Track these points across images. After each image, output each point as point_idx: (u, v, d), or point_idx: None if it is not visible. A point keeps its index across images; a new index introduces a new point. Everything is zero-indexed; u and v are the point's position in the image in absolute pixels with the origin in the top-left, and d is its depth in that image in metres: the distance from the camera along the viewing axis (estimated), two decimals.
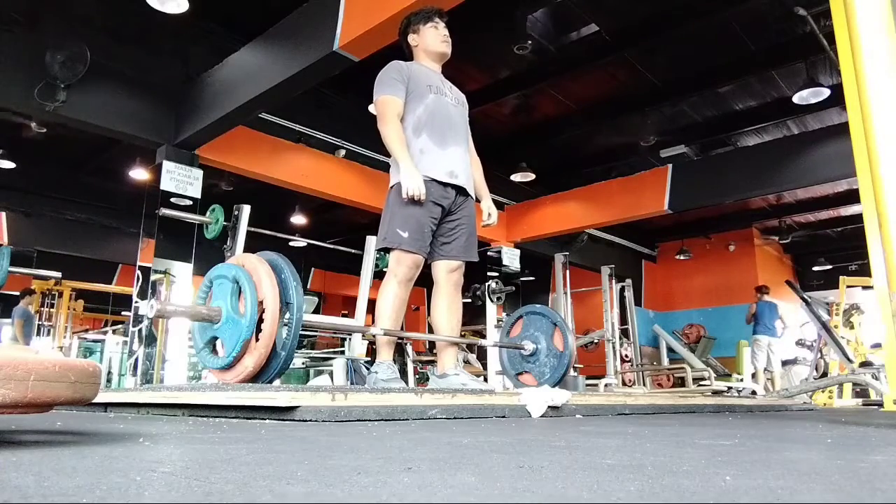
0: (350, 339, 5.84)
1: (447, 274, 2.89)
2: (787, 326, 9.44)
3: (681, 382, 8.55)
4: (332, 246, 8.32)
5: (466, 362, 8.42)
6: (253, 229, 5.19)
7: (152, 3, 4.77)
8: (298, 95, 5.26)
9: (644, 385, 8.89)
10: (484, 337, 8.58)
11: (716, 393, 6.65)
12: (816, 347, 8.32)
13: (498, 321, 8.16)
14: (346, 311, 11.84)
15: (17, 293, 8.38)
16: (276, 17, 4.90)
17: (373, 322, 2.81)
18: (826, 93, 6.09)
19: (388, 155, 2.84)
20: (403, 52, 3.06)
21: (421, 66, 2.93)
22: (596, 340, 9.82)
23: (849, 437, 1.49)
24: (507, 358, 3.53)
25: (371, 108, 6.98)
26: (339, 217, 10.01)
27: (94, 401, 1.10)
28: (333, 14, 4.26)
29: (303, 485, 0.66)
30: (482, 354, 8.71)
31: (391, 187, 2.88)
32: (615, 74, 6.57)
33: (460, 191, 2.85)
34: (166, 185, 5.63)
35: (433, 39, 2.94)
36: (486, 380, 7.76)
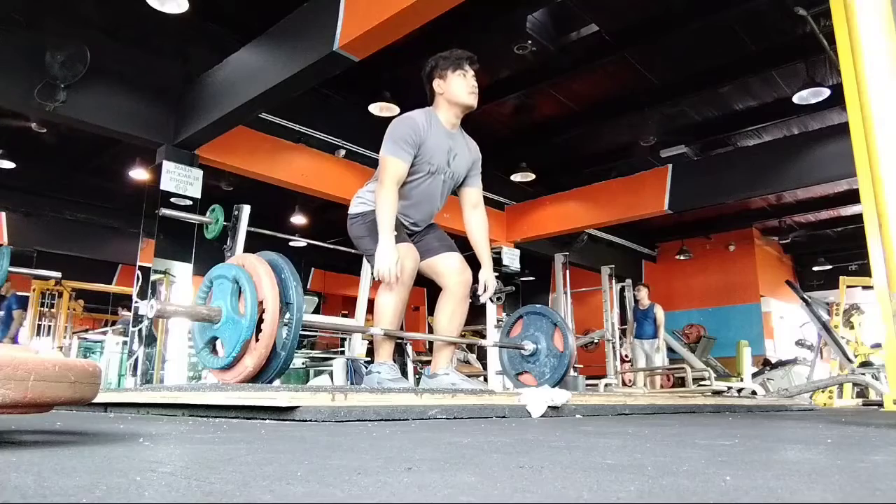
0: (350, 339, 5.84)
1: (458, 276, 2.88)
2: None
3: (681, 382, 8.55)
4: (332, 246, 8.30)
5: (466, 362, 8.43)
6: (253, 229, 5.19)
7: (152, 3, 4.76)
8: (298, 95, 5.26)
9: (644, 385, 8.89)
10: (484, 337, 8.58)
11: (716, 393, 6.64)
12: (816, 347, 8.31)
13: (498, 321, 8.16)
14: (346, 311, 11.83)
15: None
16: (276, 17, 4.89)
17: (373, 322, 2.79)
18: (826, 93, 6.09)
19: None
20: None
21: (438, 128, 2.76)
22: (596, 340, 9.82)
23: (849, 437, 1.49)
24: (507, 358, 3.53)
25: (371, 108, 6.96)
26: (339, 217, 9.96)
27: (94, 401, 1.10)
28: (333, 14, 4.26)
29: (303, 485, 0.66)
30: (482, 354, 8.71)
31: (354, 217, 2.85)
32: (615, 74, 6.57)
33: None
34: (166, 185, 5.63)
35: (460, 90, 2.76)
36: (485, 380, 7.77)
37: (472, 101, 2.78)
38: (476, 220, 2.99)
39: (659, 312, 8.87)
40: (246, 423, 1.68)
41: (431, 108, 2.84)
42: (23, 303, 8.30)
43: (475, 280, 2.98)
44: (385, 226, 2.56)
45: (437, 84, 2.79)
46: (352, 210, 2.92)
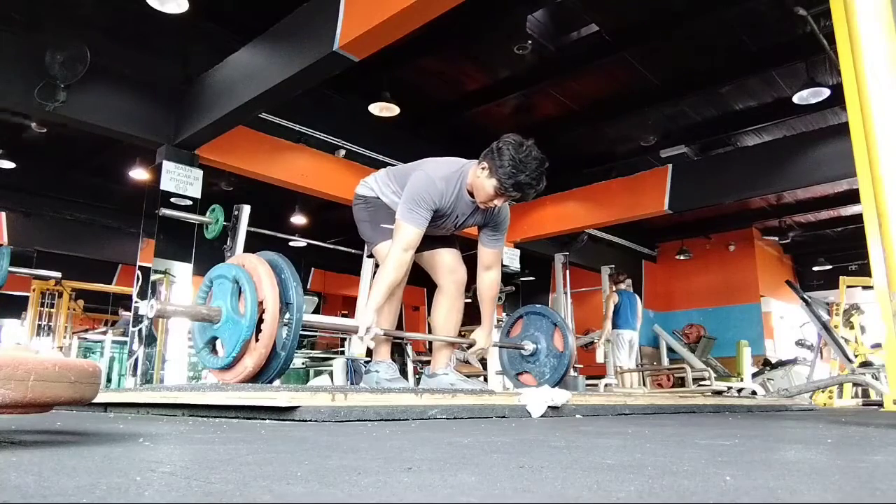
0: (350, 339, 5.84)
1: (450, 275, 2.90)
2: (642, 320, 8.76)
3: (681, 382, 8.54)
4: (332, 246, 8.33)
5: (466, 362, 8.41)
6: (253, 229, 5.19)
7: (152, 3, 4.76)
8: (298, 95, 5.26)
9: (644, 385, 8.88)
10: None
11: (716, 393, 6.64)
12: (816, 347, 8.31)
13: (498, 321, 8.16)
14: (346, 311, 11.83)
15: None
16: (276, 17, 4.89)
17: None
18: (826, 93, 6.08)
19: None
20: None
21: (459, 196, 2.67)
22: (596, 340, 9.81)
23: (849, 437, 1.49)
24: (507, 358, 3.54)
25: (371, 108, 6.94)
26: (339, 217, 10.00)
27: (94, 401, 1.10)
28: (333, 14, 4.26)
29: (303, 485, 0.66)
30: None
31: (358, 199, 2.86)
32: (615, 74, 6.57)
33: None
34: (166, 185, 5.63)
35: (481, 195, 2.59)
36: (485, 380, 7.77)
37: (482, 206, 2.66)
38: (486, 281, 2.94)
39: (609, 299, 8.48)
40: (246, 423, 1.68)
41: (469, 169, 2.67)
42: None
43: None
44: (379, 295, 2.51)
45: (482, 167, 2.56)
46: (357, 191, 2.93)
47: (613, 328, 8.49)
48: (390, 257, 2.55)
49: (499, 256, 2.95)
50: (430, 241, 2.89)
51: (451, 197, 2.64)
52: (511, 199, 2.60)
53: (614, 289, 8.68)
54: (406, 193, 2.60)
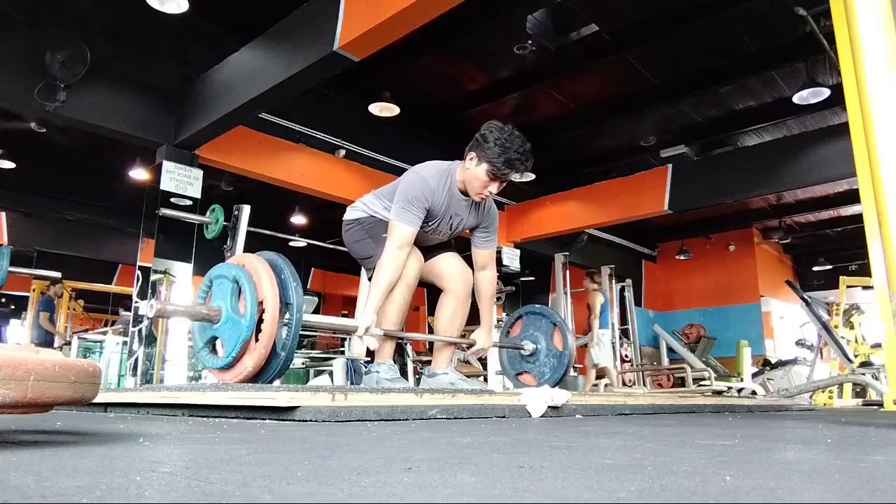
0: (350, 339, 5.84)
1: (459, 278, 2.89)
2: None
3: (681, 382, 8.53)
4: (332, 246, 8.30)
5: (466, 362, 8.42)
6: (253, 229, 5.19)
7: (152, 3, 4.76)
8: (298, 95, 5.26)
9: (644, 385, 8.88)
10: None
11: (716, 393, 6.64)
12: (816, 347, 8.31)
13: (498, 321, 8.16)
14: (346, 311, 11.83)
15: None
16: (276, 17, 4.90)
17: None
18: (826, 93, 6.09)
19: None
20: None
21: (449, 192, 2.67)
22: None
23: (849, 437, 1.49)
24: (506, 358, 3.54)
25: (371, 108, 6.94)
26: (339, 217, 9.91)
27: (94, 401, 1.10)
28: (333, 14, 4.26)
29: (303, 485, 0.66)
30: None
31: (350, 224, 2.87)
32: (615, 74, 6.57)
33: None
34: (166, 185, 5.63)
35: (475, 185, 2.61)
36: (485, 380, 7.77)
37: (477, 199, 2.68)
38: (483, 282, 2.95)
39: (595, 297, 8.08)
40: (246, 423, 1.68)
41: (456, 166, 2.70)
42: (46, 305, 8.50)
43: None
44: (376, 297, 2.51)
45: (470, 158, 2.60)
46: (347, 216, 2.93)
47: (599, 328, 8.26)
48: (385, 256, 2.56)
49: (493, 256, 2.98)
50: (428, 250, 2.89)
51: (443, 194, 2.66)
52: (505, 181, 2.61)
53: (593, 287, 8.32)
54: (398, 194, 2.63)
